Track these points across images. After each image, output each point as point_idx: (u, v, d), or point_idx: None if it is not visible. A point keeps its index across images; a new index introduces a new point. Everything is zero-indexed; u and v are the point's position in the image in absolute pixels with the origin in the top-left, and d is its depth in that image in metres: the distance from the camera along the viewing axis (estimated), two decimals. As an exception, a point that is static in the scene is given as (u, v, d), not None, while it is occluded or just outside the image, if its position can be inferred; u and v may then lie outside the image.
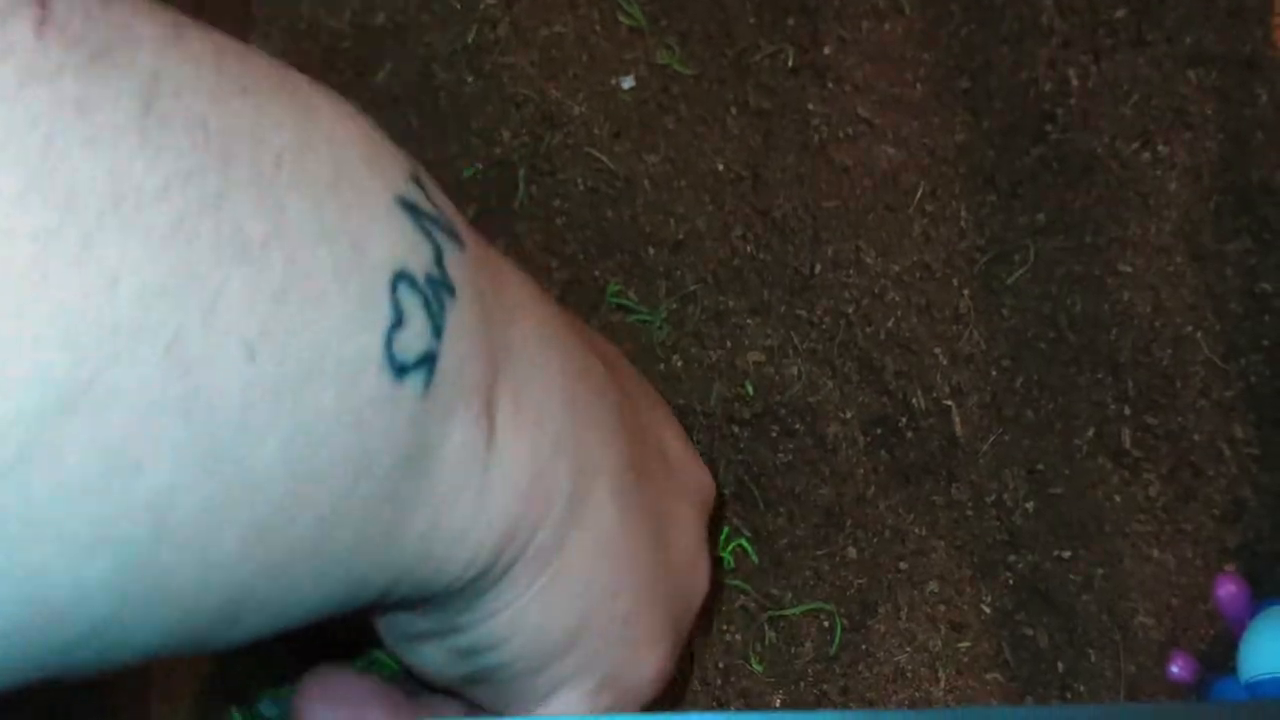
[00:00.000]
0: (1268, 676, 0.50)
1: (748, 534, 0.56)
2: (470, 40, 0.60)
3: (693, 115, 0.60)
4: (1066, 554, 0.56)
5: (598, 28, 0.60)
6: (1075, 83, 0.60)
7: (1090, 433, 0.57)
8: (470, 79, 0.60)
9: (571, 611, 0.35)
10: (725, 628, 0.54)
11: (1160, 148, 0.59)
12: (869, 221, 0.59)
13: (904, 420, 0.57)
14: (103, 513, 0.21)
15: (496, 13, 0.60)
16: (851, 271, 0.58)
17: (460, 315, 0.30)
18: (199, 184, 0.22)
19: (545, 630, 0.35)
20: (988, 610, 0.55)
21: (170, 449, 0.22)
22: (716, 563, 0.55)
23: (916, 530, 0.56)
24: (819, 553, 0.55)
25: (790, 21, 0.61)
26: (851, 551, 0.55)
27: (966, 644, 0.55)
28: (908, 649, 0.54)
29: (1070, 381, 0.57)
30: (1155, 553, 0.56)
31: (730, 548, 0.55)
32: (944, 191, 0.59)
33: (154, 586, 0.24)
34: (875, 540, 0.56)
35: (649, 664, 0.38)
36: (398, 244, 0.28)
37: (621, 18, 0.60)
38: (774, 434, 0.56)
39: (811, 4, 0.61)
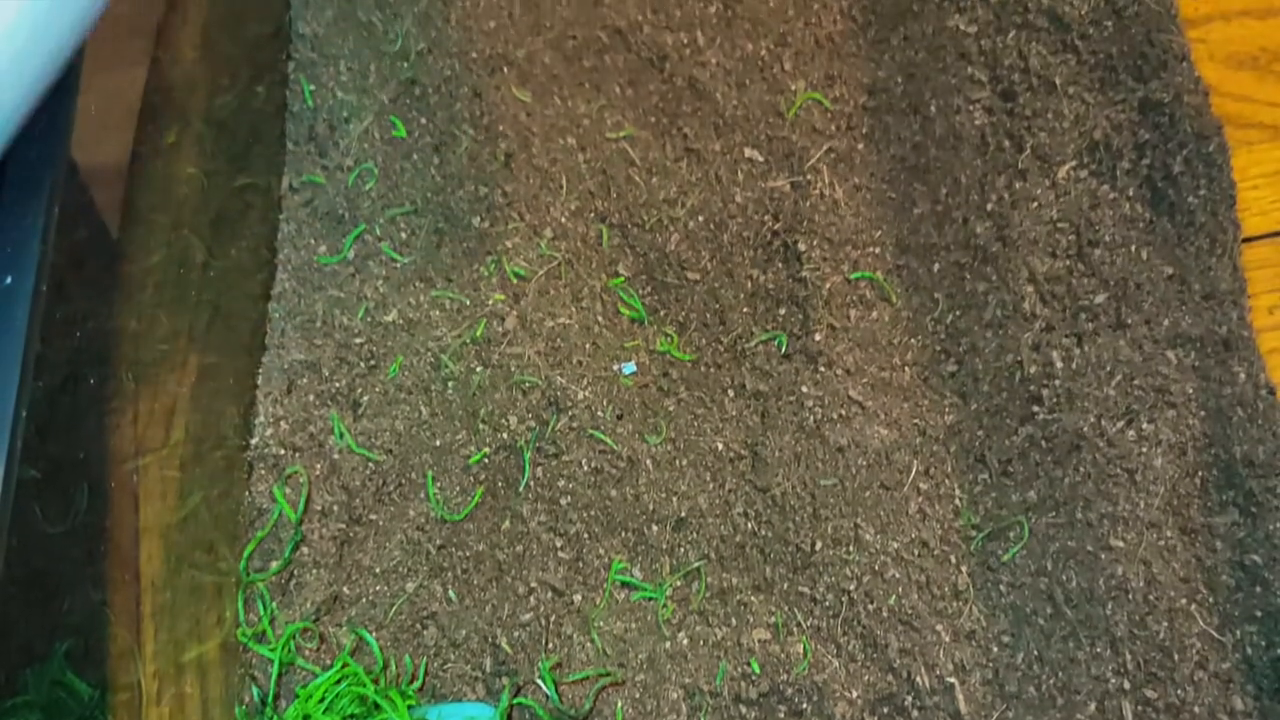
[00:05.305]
0: None
1: (757, 817, 0.55)
2: (479, 333, 0.62)
3: (692, 398, 0.62)
4: (1076, 835, 0.55)
5: (600, 319, 0.63)
6: (1059, 364, 0.62)
7: (1092, 708, 0.57)
8: (479, 369, 0.62)
9: None
10: None
11: (1145, 425, 0.61)
12: (866, 499, 0.60)
13: (909, 698, 0.57)
14: None
15: (504, 307, 0.63)
16: (851, 548, 0.59)
17: None
18: None
19: None
20: None
21: None
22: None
23: (925, 813, 0.56)
24: (828, 837, 0.55)
25: (782, 311, 0.63)
26: (861, 835, 0.55)
27: None
28: None
29: (1069, 656, 0.58)
30: (1165, 832, 0.55)
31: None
32: (937, 470, 0.61)
33: None
34: (884, 823, 0.55)
35: None
36: None
37: (623, 309, 0.63)
38: (782, 714, 0.57)
39: (801, 294, 0.63)
